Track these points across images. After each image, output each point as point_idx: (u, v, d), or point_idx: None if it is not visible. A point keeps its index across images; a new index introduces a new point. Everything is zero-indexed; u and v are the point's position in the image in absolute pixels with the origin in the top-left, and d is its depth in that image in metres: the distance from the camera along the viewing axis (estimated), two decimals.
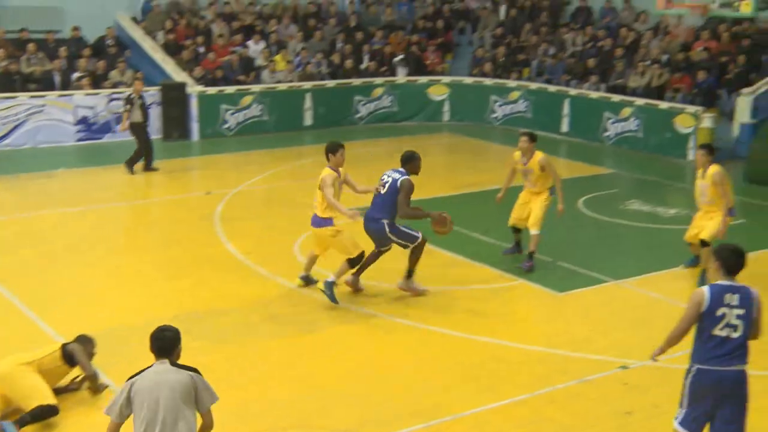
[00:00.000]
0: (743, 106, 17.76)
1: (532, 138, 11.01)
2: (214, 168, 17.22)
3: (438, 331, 9.21)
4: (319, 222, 9.71)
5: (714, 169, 10.32)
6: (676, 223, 13.10)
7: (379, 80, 21.43)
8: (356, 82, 21.20)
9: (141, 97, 16.02)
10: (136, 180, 15.78)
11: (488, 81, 21.45)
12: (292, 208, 13.89)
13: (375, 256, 9.99)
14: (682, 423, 5.98)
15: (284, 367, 8.36)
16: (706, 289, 5.88)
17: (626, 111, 18.78)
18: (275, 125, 20.22)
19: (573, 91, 20.12)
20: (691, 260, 11.06)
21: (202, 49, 20.70)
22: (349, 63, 21.23)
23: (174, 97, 19.12)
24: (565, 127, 20.09)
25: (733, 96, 18.19)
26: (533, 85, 20.99)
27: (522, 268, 10.93)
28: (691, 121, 17.63)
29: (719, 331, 5.80)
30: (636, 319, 9.60)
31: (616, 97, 19.20)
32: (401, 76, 21.66)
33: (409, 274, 10.02)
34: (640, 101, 18.68)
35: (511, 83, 21.25)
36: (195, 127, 19.42)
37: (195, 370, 5.39)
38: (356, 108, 21.23)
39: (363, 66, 21.67)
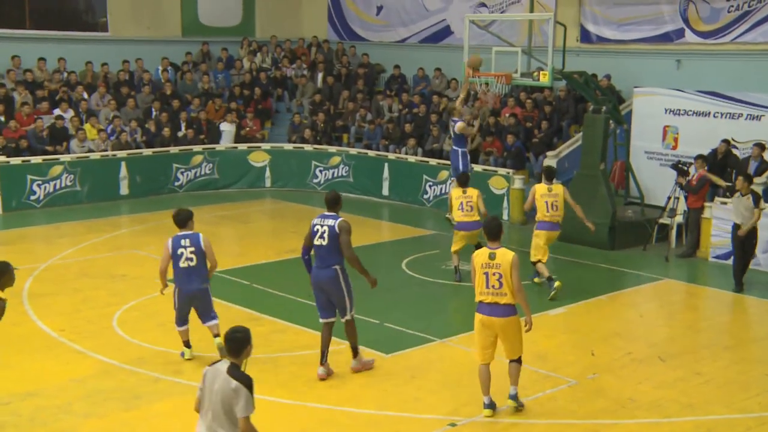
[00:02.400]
0: None
1: None
2: (21, 242, 16.18)
3: (265, 399, 8.91)
4: (511, 311, 8.45)
5: None
6: None
7: (197, 148, 21.10)
8: (174, 149, 20.76)
9: None
10: None
11: (308, 147, 21.62)
12: (110, 281, 13.28)
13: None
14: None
15: None
16: (169, 239, 9.62)
17: (443, 174, 19.44)
18: (88, 196, 19.36)
19: (392, 156, 20.64)
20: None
21: (2, 118, 19.61)
22: (166, 131, 20.77)
23: None
24: (385, 190, 20.53)
25: (540, 159, 19.26)
26: (353, 151, 21.37)
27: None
28: (504, 182, 18.48)
29: (182, 263, 9.57)
30: (462, 375, 9.75)
31: (433, 161, 19.87)
32: (226, 139, 21.53)
33: (356, 351, 9.73)
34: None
35: (331, 149, 21.53)
36: None
37: (245, 380, 5.74)
38: (175, 176, 20.76)
39: (180, 134, 21.28)
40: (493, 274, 8.33)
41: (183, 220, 9.71)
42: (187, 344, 10.00)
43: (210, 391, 5.82)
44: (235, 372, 5.78)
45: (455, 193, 13.47)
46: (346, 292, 9.43)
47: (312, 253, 9.51)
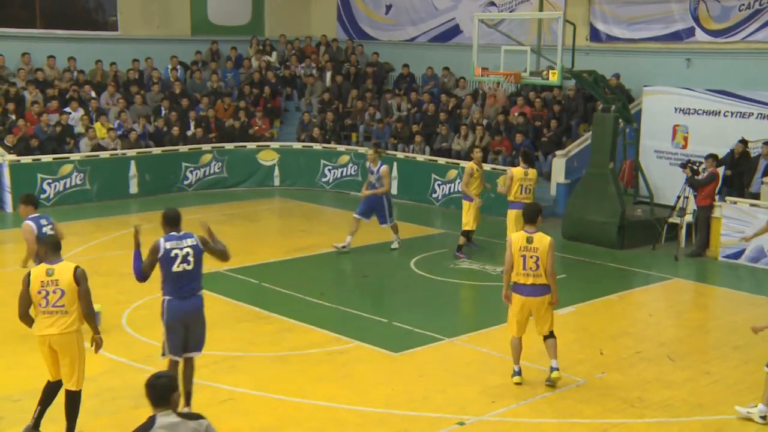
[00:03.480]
0: (558, 167, 18.81)
1: None
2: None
3: (273, 397, 8.97)
4: (546, 290, 9.10)
5: None
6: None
7: (206, 146, 21.14)
8: (183, 148, 20.81)
9: None
10: None
11: (317, 146, 21.63)
12: (119, 279, 13.26)
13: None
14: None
15: None
16: (29, 222, 10.42)
17: (452, 173, 19.43)
18: (98, 194, 19.43)
19: (401, 155, 20.62)
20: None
21: (13, 117, 19.68)
22: (175, 130, 20.82)
23: None
24: (394, 189, 20.49)
25: (549, 158, 19.24)
26: (362, 149, 21.34)
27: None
28: None
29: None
30: (470, 374, 9.76)
31: (441, 160, 19.85)
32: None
33: (189, 397, 8.29)
34: (464, 163, 19.34)
35: (340, 148, 21.53)
36: (8, 198, 18.36)
37: (203, 417, 5.16)
38: (184, 174, 20.81)
39: (189, 132, 21.32)
40: (531, 257, 8.96)
41: (36, 201, 11.18)
42: None
43: None
44: (192, 414, 5.16)
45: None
46: (202, 321, 8.21)
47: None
